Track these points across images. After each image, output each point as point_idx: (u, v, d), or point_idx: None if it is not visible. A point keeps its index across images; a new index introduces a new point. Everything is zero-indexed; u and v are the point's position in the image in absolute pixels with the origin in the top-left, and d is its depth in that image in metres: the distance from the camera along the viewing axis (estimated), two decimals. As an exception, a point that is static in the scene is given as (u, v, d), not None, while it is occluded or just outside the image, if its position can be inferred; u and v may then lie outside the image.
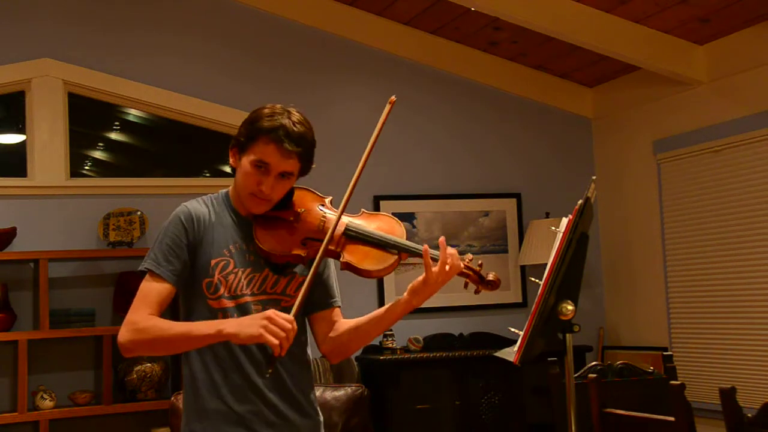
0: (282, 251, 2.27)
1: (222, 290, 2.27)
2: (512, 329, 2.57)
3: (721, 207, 5.15)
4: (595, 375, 3.52)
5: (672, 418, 3.07)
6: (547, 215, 5.78)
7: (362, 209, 2.43)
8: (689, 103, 5.37)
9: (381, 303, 5.47)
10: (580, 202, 2.44)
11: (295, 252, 2.27)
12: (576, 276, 2.44)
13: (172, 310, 2.34)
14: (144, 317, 2.19)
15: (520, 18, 4.95)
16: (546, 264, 2.46)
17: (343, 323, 2.42)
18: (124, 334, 2.20)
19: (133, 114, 5.49)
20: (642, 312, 5.77)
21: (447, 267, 2.21)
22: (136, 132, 5.77)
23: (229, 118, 5.26)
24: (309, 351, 2.41)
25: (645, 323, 5.74)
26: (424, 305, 2.34)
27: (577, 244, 2.42)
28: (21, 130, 5.11)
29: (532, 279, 2.82)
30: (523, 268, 5.89)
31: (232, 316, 2.24)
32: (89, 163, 5.63)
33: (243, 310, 2.26)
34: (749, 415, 2.89)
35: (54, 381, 4.78)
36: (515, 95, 6.03)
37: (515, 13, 4.90)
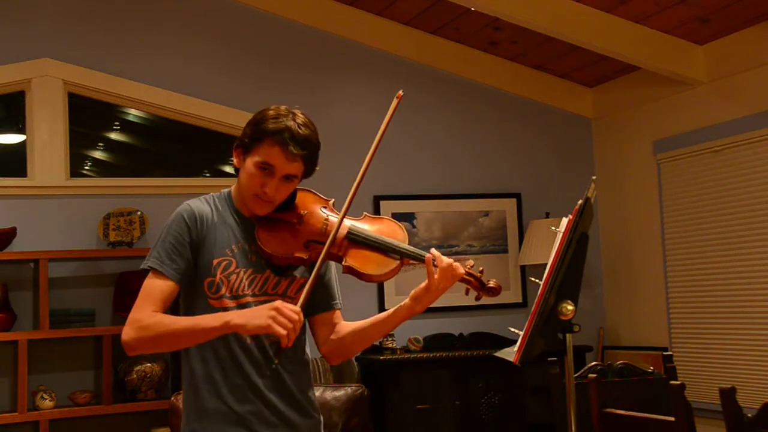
0: (284, 253, 2.27)
1: (223, 290, 2.27)
2: (512, 329, 2.58)
3: (721, 207, 5.15)
4: (595, 375, 3.52)
5: (672, 418, 3.07)
6: (547, 215, 5.78)
7: (364, 212, 2.43)
8: (689, 103, 5.37)
9: (381, 304, 5.48)
10: (580, 202, 2.44)
11: (298, 254, 2.27)
12: (576, 276, 2.45)
13: (171, 309, 2.33)
14: (147, 314, 2.19)
15: (520, 18, 4.95)
16: (546, 264, 2.46)
17: (345, 325, 2.42)
18: (128, 332, 2.19)
19: (133, 114, 5.49)
20: (642, 312, 5.77)
21: (447, 272, 2.21)
22: (136, 132, 5.77)
23: (229, 118, 5.26)
24: (308, 351, 2.42)
25: (645, 323, 5.74)
26: (425, 306, 2.34)
27: (577, 244, 2.42)
28: (21, 130, 5.11)
29: (532, 279, 2.82)
30: (523, 268, 5.88)
31: None
32: (89, 163, 5.63)
33: None
34: (749, 415, 2.89)
35: (54, 381, 4.78)
36: (515, 95, 6.03)
37: (515, 13, 4.90)
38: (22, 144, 5.07)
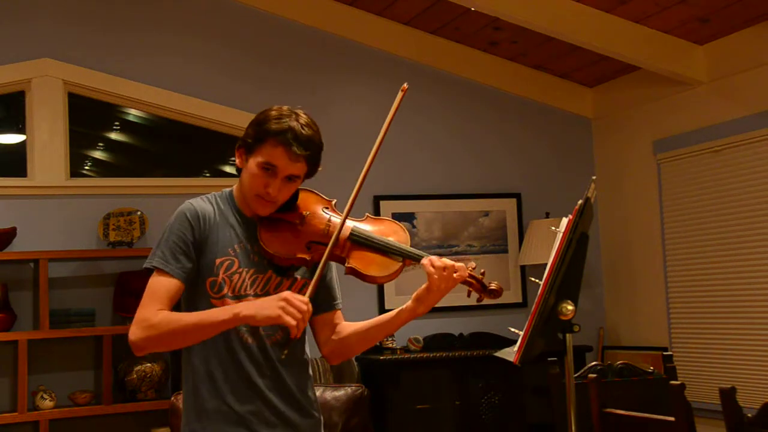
0: (287, 254, 2.27)
1: (226, 289, 2.27)
2: (512, 329, 2.57)
3: (721, 207, 5.15)
4: (595, 375, 3.52)
5: (672, 418, 3.07)
6: (547, 215, 5.78)
7: (366, 213, 2.43)
8: (689, 103, 5.37)
9: (381, 303, 5.48)
10: (580, 202, 2.44)
11: (300, 255, 2.27)
12: (576, 276, 2.44)
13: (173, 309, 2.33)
14: (154, 313, 2.18)
15: (520, 18, 4.95)
16: (546, 264, 2.46)
17: (346, 326, 2.43)
18: (135, 332, 2.18)
19: (133, 114, 5.49)
20: (642, 312, 5.77)
21: (446, 272, 2.21)
22: (136, 132, 5.77)
23: (229, 118, 5.26)
24: (308, 350, 2.42)
25: (645, 323, 5.74)
26: (425, 305, 2.34)
27: (577, 244, 2.42)
28: (21, 130, 5.11)
29: (532, 279, 2.82)
30: (523, 268, 5.88)
31: None
32: (89, 163, 5.63)
33: None
34: (749, 415, 2.89)
35: (54, 381, 4.78)
36: (515, 95, 6.03)
37: (515, 13, 4.90)
38: (22, 144, 5.07)
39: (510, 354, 2.48)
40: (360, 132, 5.23)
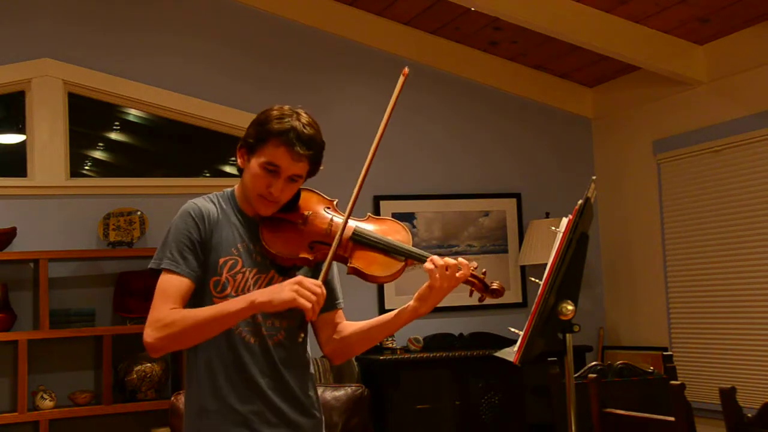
0: (289, 254, 2.27)
1: (229, 289, 2.27)
2: (512, 329, 2.57)
3: (721, 207, 5.15)
4: (595, 375, 3.52)
5: (672, 418, 3.07)
6: (547, 215, 5.78)
7: (368, 213, 2.43)
8: (689, 103, 5.38)
9: (381, 303, 5.47)
10: (580, 202, 2.44)
11: (303, 255, 2.27)
12: (576, 276, 2.44)
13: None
14: (167, 312, 2.17)
15: (520, 18, 4.95)
16: (546, 264, 2.46)
17: (347, 325, 2.42)
18: (150, 334, 2.17)
19: (133, 114, 5.49)
20: (642, 312, 5.77)
21: (448, 271, 2.21)
22: (136, 132, 5.77)
23: (229, 118, 5.26)
24: (308, 350, 2.42)
25: (645, 323, 5.74)
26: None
27: (577, 244, 2.42)
28: (21, 130, 5.11)
29: (532, 279, 2.82)
30: (523, 268, 5.88)
31: None
32: (89, 163, 5.63)
33: None
34: (749, 415, 2.89)
35: (54, 381, 4.78)
36: (515, 95, 6.03)
37: (515, 13, 4.90)
38: (22, 144, 5.07)
39: (510, 354, 2.48)
40: (360, 132, 5.21)
